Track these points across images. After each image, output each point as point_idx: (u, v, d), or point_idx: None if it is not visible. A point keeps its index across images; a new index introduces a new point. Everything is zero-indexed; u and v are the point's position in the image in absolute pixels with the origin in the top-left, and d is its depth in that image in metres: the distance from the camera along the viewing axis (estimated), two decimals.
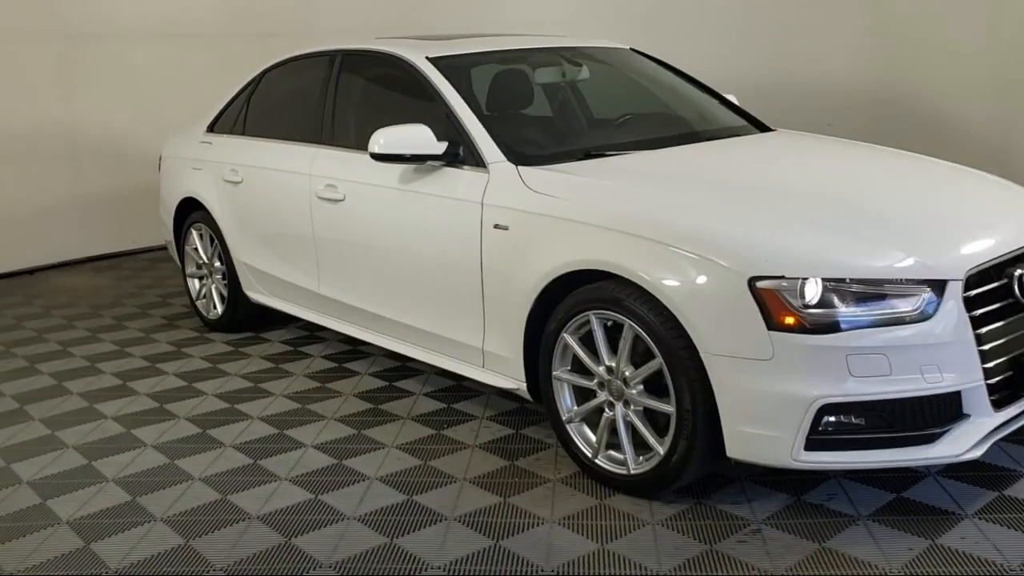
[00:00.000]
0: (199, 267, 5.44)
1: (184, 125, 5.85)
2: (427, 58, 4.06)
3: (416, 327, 3.92)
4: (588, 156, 3.63)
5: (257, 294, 4.99)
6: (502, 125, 3.80)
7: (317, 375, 4.53)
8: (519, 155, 3.59)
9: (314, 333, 5.23)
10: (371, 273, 4.10)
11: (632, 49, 4.80)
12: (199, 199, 5.20)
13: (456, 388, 4.24)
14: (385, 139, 3.69)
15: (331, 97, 4.45)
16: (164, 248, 7.81)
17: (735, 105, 4.53)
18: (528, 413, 3.91)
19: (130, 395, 4.37)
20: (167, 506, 3.24)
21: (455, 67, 4.04)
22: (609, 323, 3.12)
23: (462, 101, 3.81)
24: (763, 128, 4.37)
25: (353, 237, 4.15)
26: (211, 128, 5.33)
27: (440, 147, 3.68)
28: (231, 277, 5.11)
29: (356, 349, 4.90)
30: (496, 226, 3.45)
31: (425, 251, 3.78)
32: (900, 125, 6.71)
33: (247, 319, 5.26)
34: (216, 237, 5.16)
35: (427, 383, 4.34)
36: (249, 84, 5.15)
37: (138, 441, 3.82)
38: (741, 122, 4.40)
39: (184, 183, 5.35)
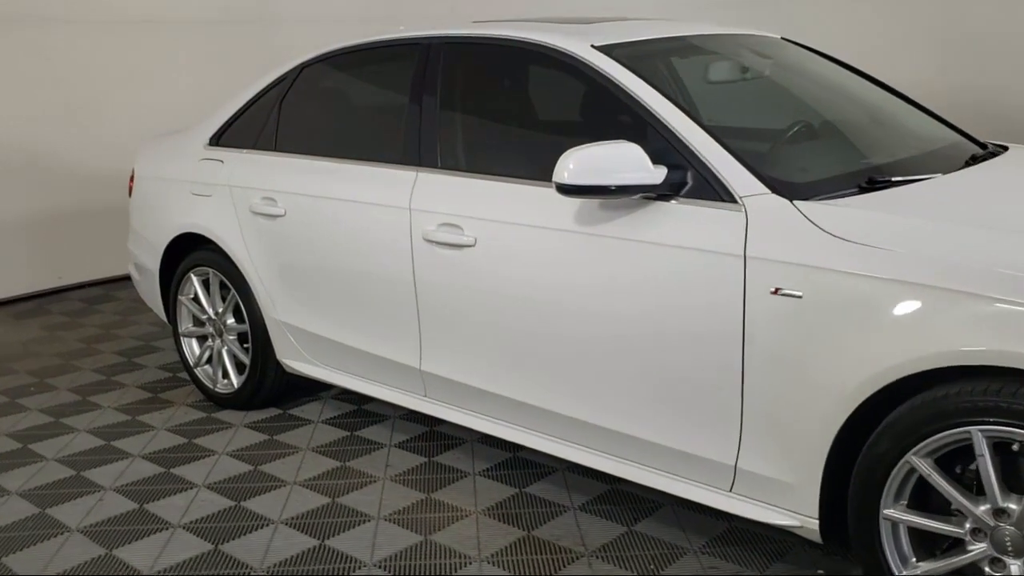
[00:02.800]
0: (200, 323, 4.10)
1: (137, 133, 4.52)
2: (594, 47, 2.92)
3: (608, 428, 2.77)
4: (871, 185, 2.58)
5: (302, 363, 3.72)
6: (736, 142, 2.70)
7: (410, 478, 3.31)
8: (790, 185, 2.50)
9: (361, 407, 3.99)
10: (523, 349, 2.92)
11: (784, 39, 3.77)
12: (207, 235, 3.87)
13: (614, 497, 3.11)
14: (577, 163, 2.55)
15: (432, 103, 3.23)
16: (98, 284, 6.36)
17: (937, 115, 3.56)
18: (746, 545, 2.83)
19: (161, 529, 3.04)
20: None
21: (641, 60, 2.92)
22: (1015, 445, 2.08)
23: (676, 110, 2.69)
24: (977, 142, 3.41)
25: (492, 298, 2.97)
26: (216, 141, 4.00)
27: (658, 174, 2.56)
28: (258, 340, 3.81)
29: (433, 431, 3.70)
30: (777, 291, 2.36)
31: (631, 323, 2.64)
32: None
33: (273, 394, 3.98)
34: (232, 286, 3.86)
35: (573, 488, 3.20)
36: (276, 83, 3.85)
37: None
38: (955, 135, 3.43)
39: (180, 213, 4.01)
